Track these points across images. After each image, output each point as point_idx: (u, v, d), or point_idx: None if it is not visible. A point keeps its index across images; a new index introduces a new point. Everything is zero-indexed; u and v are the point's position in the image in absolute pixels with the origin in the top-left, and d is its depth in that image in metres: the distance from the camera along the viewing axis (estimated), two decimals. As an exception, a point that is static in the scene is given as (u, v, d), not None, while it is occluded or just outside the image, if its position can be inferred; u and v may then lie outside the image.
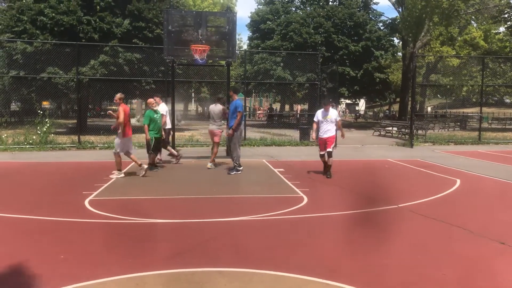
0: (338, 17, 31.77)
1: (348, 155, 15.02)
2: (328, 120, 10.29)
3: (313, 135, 10.72)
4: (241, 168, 10.62)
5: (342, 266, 4.61)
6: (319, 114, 10.43)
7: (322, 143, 10.34)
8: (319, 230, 6.03)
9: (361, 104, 64.73)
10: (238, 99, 10.87)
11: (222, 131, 11.53)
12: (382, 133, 25.48)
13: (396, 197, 7.99)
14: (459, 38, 40.12)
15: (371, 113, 56.13)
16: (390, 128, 25.21)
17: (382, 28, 36.39)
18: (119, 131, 9.80)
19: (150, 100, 10.95)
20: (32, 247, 5.16)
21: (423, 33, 29.32)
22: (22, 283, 4.09)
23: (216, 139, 11.44)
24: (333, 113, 10.41)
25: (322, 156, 10.37)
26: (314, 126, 10.56)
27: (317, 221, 6.49)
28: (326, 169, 10.35)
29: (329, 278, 4.20)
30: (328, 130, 10.30)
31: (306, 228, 6.10)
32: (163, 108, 11.82)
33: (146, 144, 10.83)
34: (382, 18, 37.37)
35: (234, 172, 10.39)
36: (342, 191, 8.84)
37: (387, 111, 52.72)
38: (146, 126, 10.53)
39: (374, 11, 36.56)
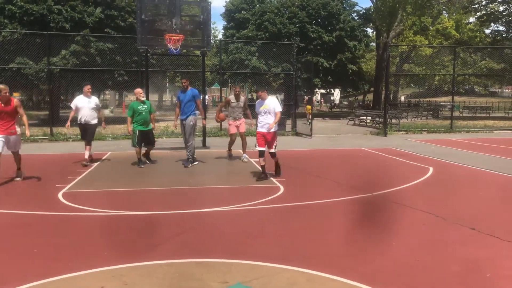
0: (312, 7, 31.83)
1: (323, 144, 15.15)
2: (265, 111, 8.58)
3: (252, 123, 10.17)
4: (196, 162, 10.42)
5: (318, 254, 4.67)
6: (256, 105, 8.92)
7: (260, 137, 8.61)
8: (295, 219, 6.08)
9: (336, 94, 65.25)
10: (191, 88, 10.52)
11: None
12: (356, 122, 25.76)
13: (370, 185, 8.11)
14: (431, 27, 40.75)
15: (346, 103, 56.65)
16: (365, 117, 25.51)
17: (356, 18, 36.62)
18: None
19: (137, 90, 10.35)
20: (4, 241, 5.05)
21: (396, 23, 29.65)
22: (-5, 278, 4.01)
23: (242, 128, 11.09)
24: (271, 103, 8.60)
25: (260, 152, 8.61)
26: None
27: (294, 210, 6.55)
28: (265, 169, 8.75)
29: (305, 266, 4.25)
30: (265, 123, 8.55)
31: (282, 218, 6.14)
32: None
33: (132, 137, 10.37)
34: (356, 8, 37.63)
35: (190, 165, 10.18)
36: (317, 180, 8.92)
37: (359, 101, 53.28)
38: (129, 118, 10.15)
39: (348, 1, 36.73)
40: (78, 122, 10.35)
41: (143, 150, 10.37)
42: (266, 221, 5.98)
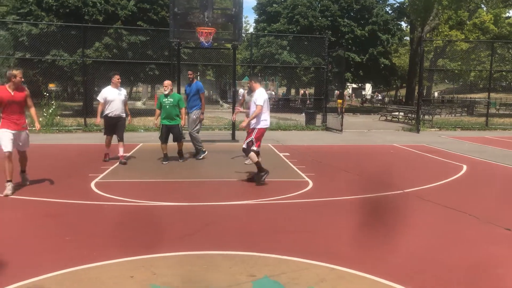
0: (345, 0, 31.39)
1: (353, 139, 14.97)
2: (253, 102, 7.84)
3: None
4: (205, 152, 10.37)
5: (346, 250, 4.61)
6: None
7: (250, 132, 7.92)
8: (324, 214, 6.03)
9: (368, 89, 64.32)
10: (196, 81, 10.52)
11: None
12: (388, 118, 25.35)
13: (402, 182, 7.97)
14: (468, 22, 39.60)
15: (379, 98, 55.79)
16: (397, 113, 25.08)
17: (389, 12, 35.92)
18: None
19: (165, 82, 9.65)
20: (39, 228, 5.19)
21: (431, 17, 28.95)
22: (29, 264, 4.12)
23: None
24: (256, 94, 7.75)
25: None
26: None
27: (322, 206, 6.49)
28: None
29: (333, 262, 4.20)
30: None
31: (311, 213, 6.09)
32: None
33: None
34: (390, 1, 36.93)
35: (201, 156, 10.19)
36: (347, 176, 8.81)
37: (390, 97, 52.31)
38: (157, 110, 9.67)
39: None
40: (109, 116, 9.35)
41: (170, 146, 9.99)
42: (294, 216, 5.95)
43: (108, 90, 9.37)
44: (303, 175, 8.51)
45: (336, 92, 24.22)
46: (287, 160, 10.24)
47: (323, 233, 5.22)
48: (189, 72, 10.46)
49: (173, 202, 6.43)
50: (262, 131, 7.77)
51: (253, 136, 7.64)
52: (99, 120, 9.59)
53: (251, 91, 8.21)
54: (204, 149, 10.38)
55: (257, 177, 7.69)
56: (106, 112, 9.33)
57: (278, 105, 32.35)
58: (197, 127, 10.40)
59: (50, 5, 20.47)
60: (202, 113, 10.48)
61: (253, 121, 7.68)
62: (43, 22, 19.84)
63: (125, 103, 9.56)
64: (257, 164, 7.66)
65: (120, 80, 9.51)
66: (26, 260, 4.21)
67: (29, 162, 7.37)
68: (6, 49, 24.59)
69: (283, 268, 4.10)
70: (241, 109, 9.35)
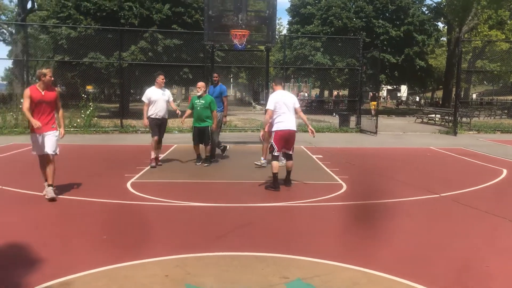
0: (379, 1, 30.94)
1: (388, 142, 14.74)
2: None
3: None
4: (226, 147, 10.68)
5: (380, 255, 4.55)
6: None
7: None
8: (357, 217, 5.96)
9: (403, 90, 63.20)
10: (220, 84, 10.43)
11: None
12: (424, 120, 24.84)
13: (438, 186, 7.79)
14: (509, 21, 38.36)
15: (416, 99, 54.71)
16: (433, 115, 24.53)
17: (426, 12, 35.18)
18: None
19: (199, 83, 9.54)
20: (76, 227, 5.34)
21: (470, 17, 28.22)
22: (67, 261, 4.23)
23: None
24: (269, 98, 7.73)
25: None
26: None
27: (356, 209, 6.42)
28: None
29: (366, 266, 4.15)
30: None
31: (344, 216, 6.04)
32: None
33: None
34: (427, 1, 36.14)
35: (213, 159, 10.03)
36: (382, 179, 8.69)
37: (426, 98, 51.16)
38: (188, 110, 9.58)
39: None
40: (153, 117, 9.18)
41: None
42: (328, 219, 5.91)
43: (152, 90, 9.23)
44: (336, 177, 8.44)
45: (370, 94, 23.92)
46: (320, 162, 10.18)
47: (357, 236, 5.16)
48: (215, 74, 10.44)
49: (207, 203, 6.49)
50: (279, 134, 7.34)
51: (271, 141, 7.43)
52: (146, 122, 9.36)
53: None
54: (226, 145, 10.65)
55: (272, 184, 7.36)
56: (150, 113, 9.15)
57: (311, 106, 32.18)
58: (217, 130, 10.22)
59: (88, 9, 21.04)
60: (225, 116, 10.46)
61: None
62: (81, 25, 20.39)
63: (170, 103, 9.49)
64: (274, 175, 7.32)
65: (164, 80, 9.35)
66: (64, 257, 4.34)
67: (67, 162, 7.55)
68: (47, 52, 25.45)
69: (316, 271, 4.08)
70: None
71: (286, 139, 7.41)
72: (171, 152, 11.52)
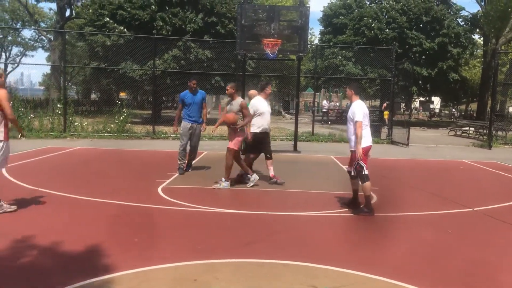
0: (413, 12, 30.54)
1: (420, 154, 14.50)
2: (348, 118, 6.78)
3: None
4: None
5: (408, 266, 4.48)
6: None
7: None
8: (387, 229, 5.89)
9: (436, 102, 62.03)
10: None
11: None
12: (458, 133, 24.32)
13: (471, 200, 7.62)
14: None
15: (447, 112, 53.60)
16: (467, 128, 23.99)
17: (461, 23, 34.50)
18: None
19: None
20: (108, 229, 5.46)
21: (507, 29, 27.56)
22: (97, 263, 4.34)
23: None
24: (354, 108, 6.71)
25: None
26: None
27: (386, 220, 6.35)
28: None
29: (395, 278, 4.11)
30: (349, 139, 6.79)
31: (373, 227, 5.98)
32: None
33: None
34: (462, 12, 35.39)
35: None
36: (413, 191, 8.56)
37: (460, 111, 50.02)
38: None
39: (454, 6, 34.66)
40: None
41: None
42: (357, 229, 5.86)
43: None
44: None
45: (384, 104, 23.65)
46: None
47: (385, 248, 5.11)
48: (193, 81, 9.39)
49: (237, 209, 6.53)
50: (366, 150, 6.60)
51: (359, 159, 6.45)
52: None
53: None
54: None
55: (358, 210, 6.62)
56: (261, 126, 8.40)
57: (342, 116, 31.95)
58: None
59: (124, 18, 21.58)
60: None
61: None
62: (115, 33, 20.91)
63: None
64: (368, 198, 6.55)
65: (270, 91, 8.98)
66: (96, 258, 4.44)
67: (100, 166, 7.73)
68: (83, 59, 26.19)
69: (345, 281, 4.06)
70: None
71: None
72: (202, 159, 11.64)
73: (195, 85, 9.26)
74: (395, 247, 5.15)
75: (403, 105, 24.72)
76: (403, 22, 29.85)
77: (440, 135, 23.76)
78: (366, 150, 6.63)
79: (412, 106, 31.59)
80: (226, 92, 8.24)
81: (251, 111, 8.21)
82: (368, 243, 5.27)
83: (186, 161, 9.45)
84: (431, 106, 57.30)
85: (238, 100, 8.05)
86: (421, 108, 59.95)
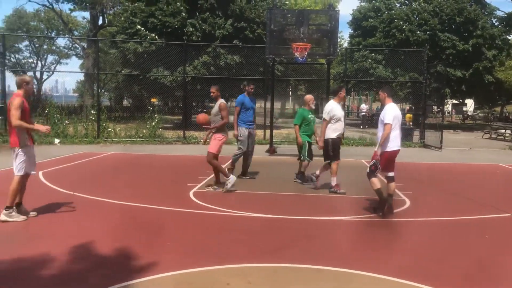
0: (446, 13, 29.93)
1: (454, 157, 14.17)
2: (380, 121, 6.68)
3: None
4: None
5: (446, 274, 4.38)
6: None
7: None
8: (421, 234, 5.78)
9: (470, 105, 60.59)
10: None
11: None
12: (493, 135, 23.67)
13: (508, 205, 7.39)
14: None
15: (481, 114, 52.23)
16: (503, 130, 23.32)
17: (496, 24, 33.59)
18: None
19: (309, 96, 9.03)
20: (141, 233, 5.53)
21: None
22: (130, 267, 4.40)
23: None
24: (386, 110, 6.62)
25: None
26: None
27: (420, 226, 6.23)
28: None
29: (430, 284, 4.02)
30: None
31: (407, 232, 5.88)
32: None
33: (299, 149, 9.03)
34: (497, 12, 34.46)
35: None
36: (447, 195, 8.37)
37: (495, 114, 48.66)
38: (297, 126, 8.79)
39: (488, 6, 33.76)
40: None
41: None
42: (389, 234, 5.77)
43: (334, 104, 8.10)
44: (399, 193, 8.21)
45: (407, 107, 23.19)
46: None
47: (420, 254, 5.00)
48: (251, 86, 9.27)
49: (268, 214, 6.53)
50: (390, 154, 6.60)
51: (375, 160, 6.47)
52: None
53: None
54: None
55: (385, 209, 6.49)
56: (338, 132, 8.13)
57: (372, 120, 31.57)
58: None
59: (155, 25, 21.94)
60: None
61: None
62: (147, 40, 21.28)
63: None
64: (379, 192, 6.54)
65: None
66: (129, 262, 4.51)
67: (133, 171, 7.83)
68: (115, 66, 26.76)
69: (377, 287, 4.00)
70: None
71: (392, 160, 6.67)
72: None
73: (252, 90, 9.13)
74: (429, 253, 5.04)
75: (435, 108, 24.19)
76: (435, 24, 29.28)
77: (474, 138, 23.18)
78: (393, 155, 6.57)
79: (445, 109, 30.87)
80: (212, 95, 8.24)
81: (327, 117, 7.87)
82: (401, 248, 5.18)
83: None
84: (464, 109, 56.04)
85: (219, 101, 8.13)
86: (453, 110, 58.68)
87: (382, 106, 6.86)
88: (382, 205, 6.53)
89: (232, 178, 8.00)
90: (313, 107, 9.01)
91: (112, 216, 6.30)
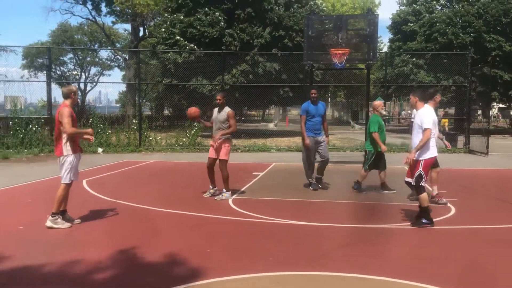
0: (490, 14, 28.94)
1: (501, 163, 13.61)
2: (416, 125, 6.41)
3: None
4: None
5: (491, 283, 4.17)
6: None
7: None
8: (467, 243, 5.54)
9: (518, 109, 58.24)
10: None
11: None
12: (543, 140, 22.63)
13: None
14: None
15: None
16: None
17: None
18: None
19: (378, 102, 8.73)
20: (182, 239, 5.57)
21: None
22: (172, 273, 4.42)
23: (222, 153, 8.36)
24: (422, 115, 6.27)
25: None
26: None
27: (466, 234, 5.99)
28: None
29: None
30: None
31: (452, 240, 5.65)
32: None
33: (369, 156, 8.66)
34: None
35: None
36: (495, 202, 8.02)
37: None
38: (376, 133, 8.32)
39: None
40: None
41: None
42: (434, 243, 5.56)
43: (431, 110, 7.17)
44: (444, 200, 7.94)
45: (441, 112, 22.41)
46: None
47: (465, 262, 4.80)
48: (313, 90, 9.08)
49: (307, 221, 6.44)
50: (431, 162, 6.40)
51: (420, 170, 6.12)
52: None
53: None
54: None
55: (417, 222, 6.21)
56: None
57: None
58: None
59: (194, 35, 22.27)
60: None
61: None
62: (186, 50, 21.60)
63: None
64: (426, 209, 6.22)
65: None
66: (170, 269, 4.54)
67: (173, 178, 7.89)
68: (156, 76, 27.32)
69: (425, 297, 3.85)
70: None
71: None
72: (270, 170, 11.66)
73: (315, 95, 8.84)
74: (477, 262, 4.82)
75: (479, 112, 23.37)
76: (480, 26, 28.34)
77: (523, 143, 22.24)
78: (431, 162, 6.31)
79: (490, 113, 29.76)
80: (218, 102, 8.11)
81: (432, 126, 6.63)
82: (447, 257, 4.97)
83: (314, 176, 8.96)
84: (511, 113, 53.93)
85: (226, 109, 8.08)
86: (500, 115, 56.59)
87: (414, 110, 6.51)
88: (429, 217, 6.17)
89: (228, 194, 8.03)
90: (384, 112, 8.67)
91: (153, 223, 6.37)
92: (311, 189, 8.83)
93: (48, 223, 5.91)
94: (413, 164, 6.18)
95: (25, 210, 7.10)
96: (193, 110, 8.20)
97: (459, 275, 4.43)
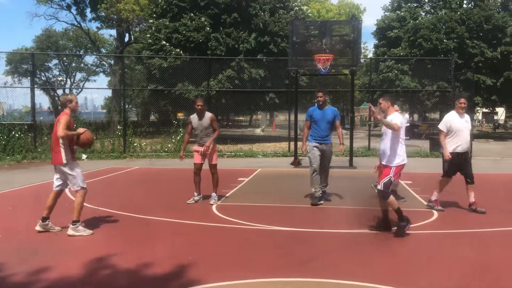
0: (473, 21, 29.38)
1: (485, 167, 13.75)
2: (384, 131, 6.36)
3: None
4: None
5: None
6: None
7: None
8: (449, 248, 5.56)
9: (501, 113, 59.10)
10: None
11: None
12: (525, 145, 22.96)
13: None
14: None
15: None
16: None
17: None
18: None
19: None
20: (165, 247, 5.50)
21: None
22: (154, 280, 4.37)
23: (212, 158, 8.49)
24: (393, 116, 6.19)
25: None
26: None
27: (448, 238, 6.01)
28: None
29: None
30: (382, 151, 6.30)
31: (435, 245, 5.67)
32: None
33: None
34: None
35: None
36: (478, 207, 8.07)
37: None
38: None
39: (516, 12, 32.95)
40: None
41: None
42: (417, 248, 5.57)
43: (453, 115, 7.48)
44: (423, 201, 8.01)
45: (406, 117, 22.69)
46: (409, 189, 9.73)
47: (447, 267, 4.81)
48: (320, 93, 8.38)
49: (291, 227, 6.41)
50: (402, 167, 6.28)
51: (391, 175, 6.05)
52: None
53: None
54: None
55: (399, 229, 6.03)
56: (454, 146, 7.52)
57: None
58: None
59: (179, 41, 22.22)
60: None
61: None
62: (171, 56, 21.54)
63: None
64: (384, 213, 6.27)
65: (464, 105, 7.44)
66: (152, 276, 4.48)
67: (157, 185, 7.76)
68: (141, 81, 27.19)
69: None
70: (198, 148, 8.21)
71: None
72: (256, 176, 11.63)
73: (321, 98, 8.25)
74: (459, 267, 4.84)
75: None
76: (463, 32, 28.74)
77: (505, 148, 22.52)
78: (401, 168, 6.21)
79: (474, 118, 30.09)
80: (199, 108, 7.94)
81: (444, 128, 7.44)
82: (430, 263, 4.98)
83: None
84: (495, 118, 54.74)
85: (207, 114, 8.10)
86: (484, 119, 57.35)
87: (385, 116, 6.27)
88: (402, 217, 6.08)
89: (217, 198, 8.18)
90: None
91: (135, 230, 6.29)
92: (312, 203, 7.96)
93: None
94: (383, 170, 6.12)
95: (6, 218, 6.98)
96: (89, 135, 6.37)
97: (439, 279, 4.44)
